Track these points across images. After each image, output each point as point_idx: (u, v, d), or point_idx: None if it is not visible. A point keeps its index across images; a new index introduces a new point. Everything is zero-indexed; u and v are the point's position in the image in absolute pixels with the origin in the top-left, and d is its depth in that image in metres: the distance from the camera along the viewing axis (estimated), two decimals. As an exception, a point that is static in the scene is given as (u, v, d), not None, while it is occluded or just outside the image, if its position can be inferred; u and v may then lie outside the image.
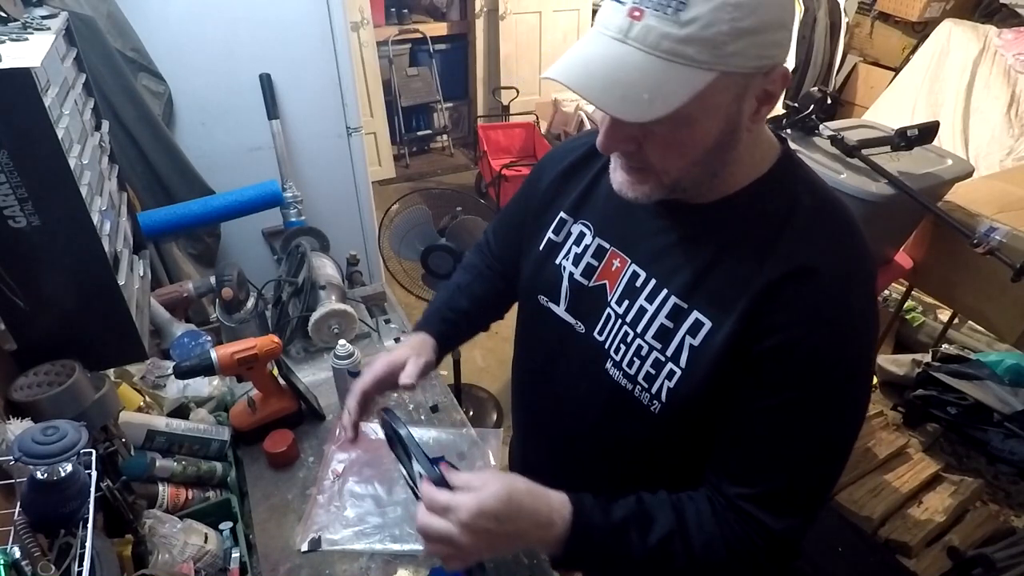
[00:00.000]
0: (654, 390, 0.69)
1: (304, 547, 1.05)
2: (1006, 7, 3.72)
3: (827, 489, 0.67)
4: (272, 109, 2.06)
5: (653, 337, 0.68)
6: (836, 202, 0.66)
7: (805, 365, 0.61)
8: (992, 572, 1.74)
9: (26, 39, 0.90)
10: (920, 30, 3.97)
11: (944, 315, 2.64)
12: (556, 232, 0.80)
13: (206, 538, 1.01)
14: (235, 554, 1.02)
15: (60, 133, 0.85)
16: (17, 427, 0.81)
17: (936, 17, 3.83)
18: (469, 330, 0.99)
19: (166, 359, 1.41)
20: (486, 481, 0.63)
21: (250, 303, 1.52)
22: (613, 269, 0.74)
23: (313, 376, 1.45)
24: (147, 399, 1.22)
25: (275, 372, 1.27)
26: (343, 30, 2.06)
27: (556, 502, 0.65)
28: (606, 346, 0.73)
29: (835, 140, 1.75)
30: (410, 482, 0.78)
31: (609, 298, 0.73)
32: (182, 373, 1.17)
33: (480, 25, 4.43)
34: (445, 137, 4.93)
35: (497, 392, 2.62)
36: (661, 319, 0.68)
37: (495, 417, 2.45)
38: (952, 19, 3.61)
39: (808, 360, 0.61)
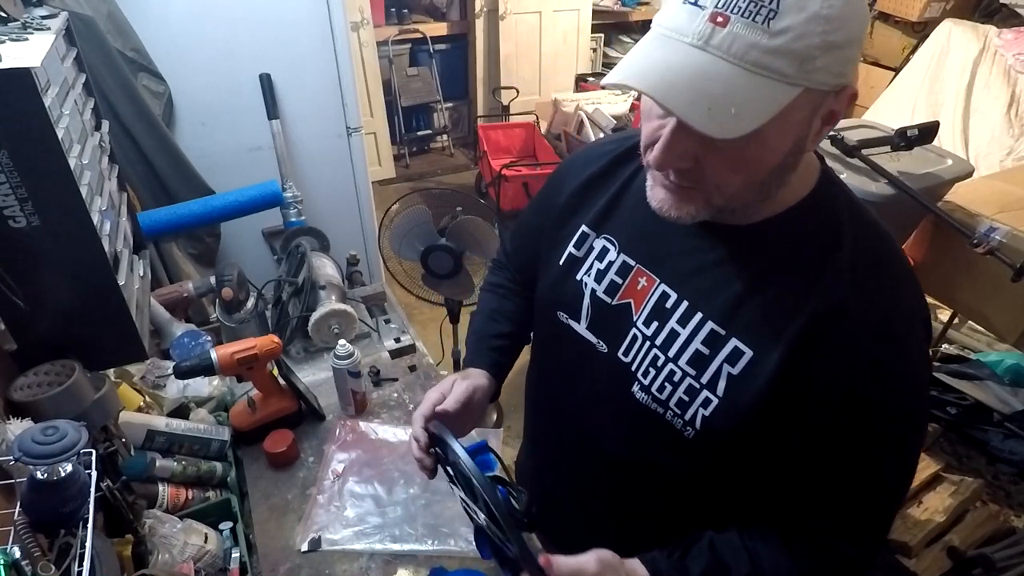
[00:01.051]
0: (687, 416, 0.66)
1: (304, 547, 1.05)
2: (1006, 7, 3.72)
3: (896, 510, 0.67)
4: (272, 109, 2.06)
5: (687, 363, 0.65)
6: (881, 233, 0.63)
7: (858, 408, 0.59)
8: (992, 572, 1.74)
9: (26, 39, 0.90)
10: (920, 30, 3.97)
11: (944, 315, 2.64)
12: (577, 246, 0.77)
13: (206, 538, 1.01)
14: (235, 554, 1.02)
15: (60, 133, 0.85)
16: (17, 427, 0.81)
17: (936, 17, 3.83)
18: (515, 349, 0.93)
19: (166, 359, 1.41)
20: None
21: (250, 303, 1.52)
22: (639, 288, 0.70)
23: (313, 376, 1.45)
24: (147, 399, 1.22)
25: (275, 372, 1.27)
26: (343, 30, 2.06)
27: (639, 574, 0.64)
28: (633, 368, 0.70)
29: (835, 140, 1.75)
30: (468, 508, 0.73)
31: (635, 318, 0.70)
32: (182, 373, 1.17)
33: (480, 25, 4.43)
34: (445, 137, 4.92)
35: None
36: (696, 344, 0.65)
37: (495, 417, 2.44)
38: (952, 19, 3.60)
39: (860, 403, 0.59)
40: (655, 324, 0.68)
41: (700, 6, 0.49)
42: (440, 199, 2.04)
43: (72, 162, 0.88)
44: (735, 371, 0.62)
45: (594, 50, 4.94)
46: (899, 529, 1.90)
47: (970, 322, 2.55)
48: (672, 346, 0.66)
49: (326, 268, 1.62)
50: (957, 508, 1.99)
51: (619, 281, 0.72)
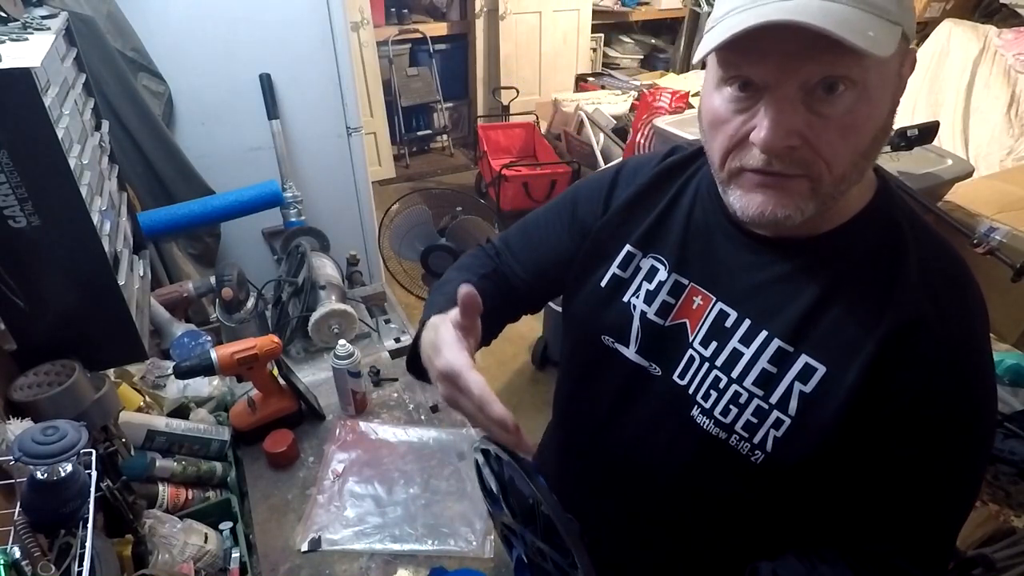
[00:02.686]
0: (756, 440, 0.63)
1: (304, 547, 1.05)
2: (1006, 7, 3.73)
3: (960, 528, 0.64)
4: (272, 109, 2.06)
5: (754, 383, 0.62)
6: (946, 246, 0.62)
7: (932, 425, 0.58)
8: (992, 572, 1.73)
9: (26, 39, 0.90)
10: (920, 30, 3.97)
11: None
12: (623, 267, 0.73)
13: (206, 538, 1.01)
14: (235, 554, 1.02)
15: (60, 133, 0.85)
16: (17, 427, 0.81)
17: (936, 17, 3.83)
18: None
19: (166, 359, 1.41)
20: None
21: (250, 303, 1.52)
22: (695, 307, 0.67)
23: (313, 376, 1.45)
24: (147, 399, 1.22)
25: (275, 372, 1.27)
26: (343, 30, 2.06)
27: None
28: (691, 391, 0.67)
29: (835, 140, 1.75)
30: (511, 533, 0.68)
31: (691, 339, 0.67)
32: (182, 373, 1.17)
33: (480, 25, 4.43)
34: (445, 137, 4.92)
35: (497, 392, 2.61)
36: (763, 363, 0.62)
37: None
38: (952, 19, 3.61)
39: (934, 421, 0.58)
40: (714, 344, 0.65)
41: None
42: (440, 199, 2.04)
43: (72, 162, 0.88)
44: (807, 389, 0.60)
45: (594, 50, 4.94)
46: (899, 529, 1.90)
47: (970, 322, 2.55)
48: (736, 366, 0.63)
49: (326, 268, 1.62)
50: (957, 508, 1.99)
51: (672, 301, 0.69)
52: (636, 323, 0.71)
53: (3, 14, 0.95)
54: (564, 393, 0.86)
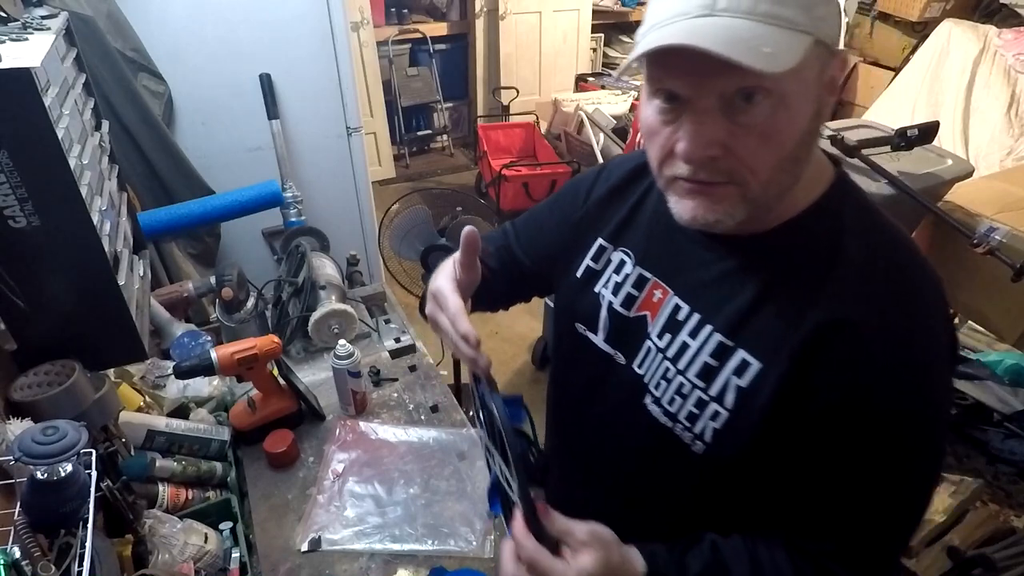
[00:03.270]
0: (697, 430, 0.65)
1: (304, 547, 1.05)
2: (1006, 7, 3.72)
3: (908, 536, 0.64)
4: (272, 109, 2.06)
5: (696, 375, 0.64)
6: (892, 239, 0.61)
7: (861, 427, 0.57)
8: (992, 572, 1.74)
9: (26, 39, 0.90)
10: (920, 30, 3.97)
11: (944, 315, 2.63)
12: (595, 259, 0.77)
13: (206, 538, 1.01)
14: (235, 554, 1.02)
15: (60, 133, 0.85)
16: (17, 427, 0.81)
17: (936, 17, 3.83)
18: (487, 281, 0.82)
19: (166, 359, 1.41)
20: (584, 544, 0.59)
21: (250, 303, 1.52)
22: (654, 300, 0.70)
23: (313, 376, 1.45)
24: (147, 399, 1.22)
25: (275, 372, 1.27)
26: (343, 30, 2.06)
27: (638, 561, 0.63)
28: (645, 380, 0.70)
29: (835, 140, 1.75)
30: (488, 456, 0.73)
31: (650, 330, 0.70)
32: (182, 373, 1.17)
33: (480, 25, 4.43)
34: (445, 137, 4.92)
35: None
36: (705, 357, 0.64)
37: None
38: (952, 19, 3.61)
39: (862, 422, 0.57)
40: (668, 336, 0.67)
41: None
42: (440, 199, 2.04)
43: (72, 162, 0.88)
44: (743, 383, 0.61)
45: (594, 50, 4.94)
46: (899, 529, 1.90)
47: (970, 322, 2.55)
48: (682, 358, 0.65)
49: (326, 268, 1.62)
50: (957, 508, 1.98)
51: (635, 294, 0.72)
52: (604, 313, 0.74)
53: (3, 14, 0.95)
54: (551, 379, 0.91)
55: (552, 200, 0.89)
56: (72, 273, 0.93)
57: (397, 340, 1.54)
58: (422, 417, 1.34)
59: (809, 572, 0.62)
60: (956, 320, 2.52)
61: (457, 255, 0.70)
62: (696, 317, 0.65)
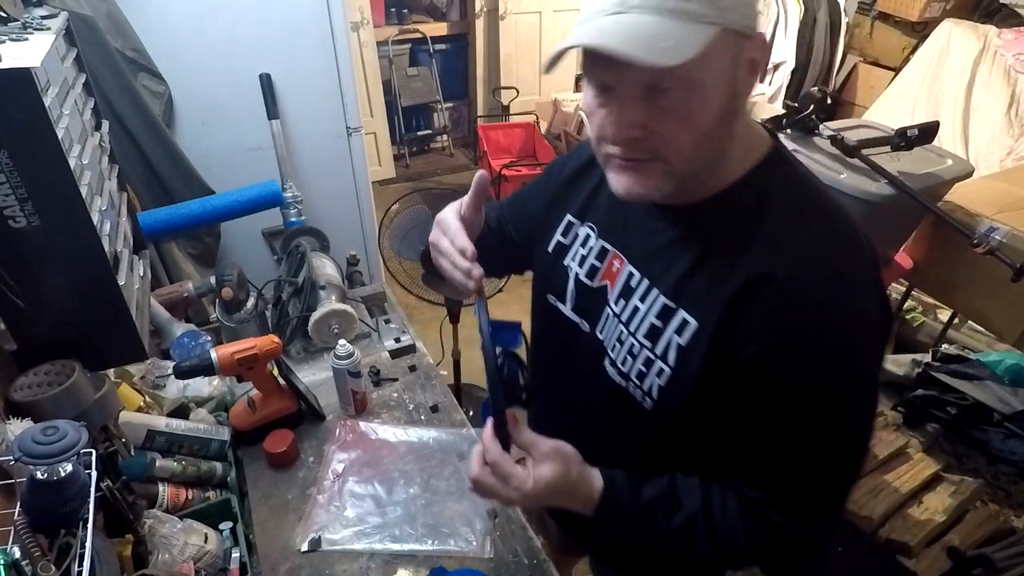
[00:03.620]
0: (646, 387, 0.71)
1: (304, 547, 1.05)
2: (1006, 7, 3.72)
3: (842, 488, 0.68)
4: (272, 109, 2.06)
5: (644, 336, 0.70)
6: (819, 203, 0.65)
7: (784, 379, 0.61)
8: (992, 572, 1.73)
9: (26, 39, 0.90)
10: (920, 30, 3.97)
11: (944, 315, 2.64)
12: (564, 234, 0.83)
13: (206, 538, 1.01)
14: (235, 554, 1.02)
15: (60, 133, 0.85)
16: (17, 427, 0.81)
17: (936, 17, 3.83)
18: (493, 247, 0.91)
19: (166, 359, 1.41)
20: (546, 456, 0.67)
21: (250, 303, 1.52)
22: (614, 270, 0.75)
23: (313, 376, 1.45)
24: (147, 399, 1.22)
25: (275, 372, 1.27)
26: (343, 30, 2.06)
27: (596, 480, 0.70)
28: (604, 344, 0.76)
29: (835, 140, 1.75)
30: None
31: (609, 298, 0.75)
32: (182, 373, 1.17)
33: (480, 25, 4.43)
34: (445, 137, 4.92)
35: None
36: (651, 318, 0.69)
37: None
38: (952, 19, 3.61)
39: (786, 374, 0.61)
40: (623, 302, 0.73)
41: None
42: (440, 199, 2.04)
43: (72, 162, 0.88)
44: (683, 341, 0.66)
45: (594, 50, 4.94)
46: (899, 529, 1.90)
47: (970, 322, 2.55)
48: (633, 321, 0.71)
49: (326, 268, 1.62)
50: (957, 508, 1.99)
51: (598, 265, 0.78)
52: (571, 284, 0.80)
53: (3, 14, 0.95)
54: (531, 348, 0.97)
55: (535, 180, 0.95)
56: (72, 273, 0.93)
57: (397, 340, 1.54)
58: (422, 417, 1.34)
59: (753, 517, 0.68)
60: (956, 320, 2.52)
61: (466, 197, 0.75)
62: (645, 283, 0.71)
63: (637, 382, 0.71)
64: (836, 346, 0.60)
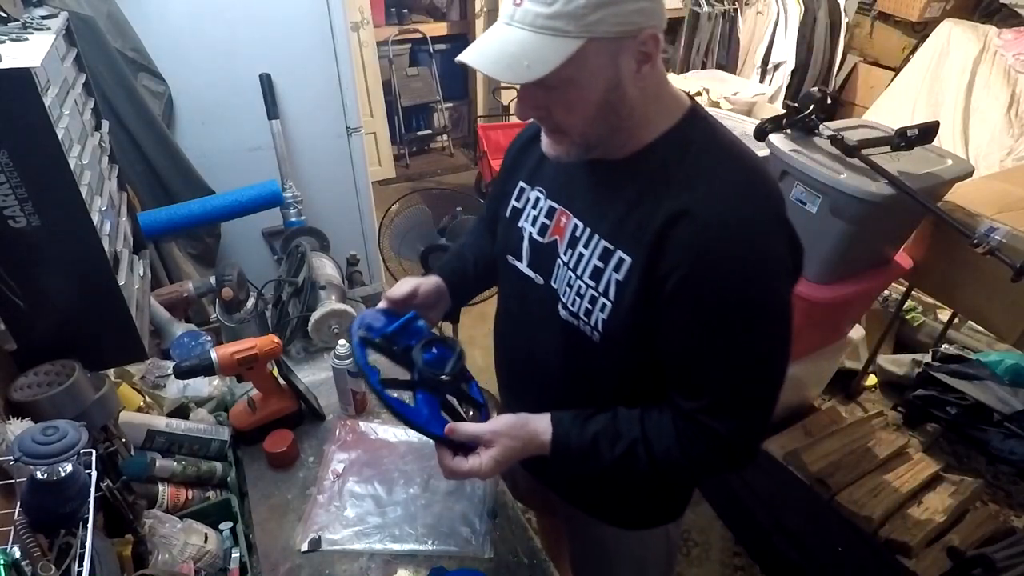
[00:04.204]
0: (592, 322, 0.80)
1: (304, 547, 1.05)
2: (1006, 7, 3.72)
3: (766, 395, 0.76)
4: (272, 109, 2.06)
5: (589, 277, 0.79)
6: (732, 150, 0.74)
7: (701, 298, 0.70)
8: (992, 572, 1.73)
9: (26, 39, 0.90)
10: (920, 30, 3.97)
11: (944, 315, 2.64)
12: (518, 199, 0.92)
13: (206, 538, 1.01)
14: (235, 554, 1.02)
15: (60, 133, 0.85)
16: (17, 427, 0.81)
17: (936, 17, 3.83)
18: (477, 279, 1.08)
19: (166, 359, 1.41)
20: (489, 441, 0.82)
21: (250, 303, 1.52)
22: (561, 225, 0.84)
23: (313, 376, 1.45)
24: (147, 399, 1.22)
25: (275, 372, 1.27)
26: (343, 30, 2.06)
27: (544, 431, 0.82)
28: (558, 291, 0.84)
29: (835, 140, 1.75)
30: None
31: (559, 251, 0.84)
32: (182, 373, 1.17)
33: (480, 25, 4.43)
34: (445, 137, 4.92)
35: (497, 392, 2.62)
36: (594, 261, 0.78)
37: (495, 416, 2.44)
38: (952, 19, 3.61)
39: (703, 294, 0.70)
40: (570, 252, 0.82)
41: None
42: (440, 199, 2.04)
43: (72, 162, 0.88)
44: (620, 277, 0.75)
45: (594, 50, 4.94)
46: (899, 529, 1.90)
47: (970, 322, 2.55)
48: (579, 266, 0.80)
49: (326, 268, 1.62)
50: (957, 508, 1.99)
51: (548, 223, 0.86)
52: (526, 243, 0.89)
53: (3, 14, 0.95)
54: (496, 314, 1.05)
55: (499, 170, 1.05)
56: (72, 273, 0.93)
57: (397, 340, 1.54)
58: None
59: (688, 429, 0.77)
60: (956, 320, 2.52)
61: (422, 291, 0.96)
62: (588, 231, 0.79)
63: (585, 319, 0.80)
64: (745, 268, 0.69)
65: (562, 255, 0.83)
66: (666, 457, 0.78)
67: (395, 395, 0.86)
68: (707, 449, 0.77)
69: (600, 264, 0.77)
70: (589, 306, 0.79)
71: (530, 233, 0.88)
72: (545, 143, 0.78)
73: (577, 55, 0.64)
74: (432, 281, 0.99)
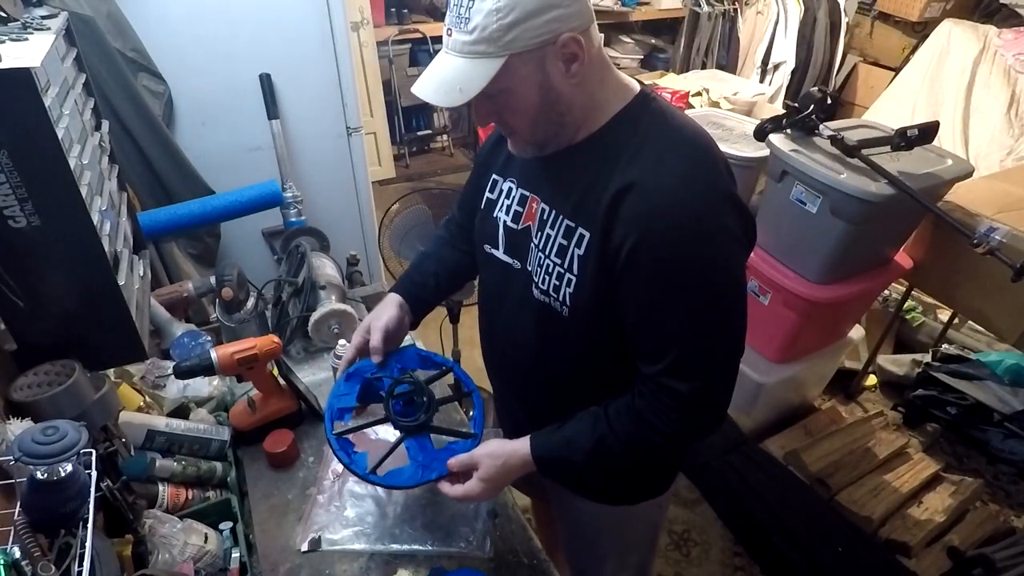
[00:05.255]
0: (560, 297, 0.85)
1: (304, 547, 1.05)
2: (1006, 7, 3.72)
3: (724, 355, 0.81)
4: (272, 109, 2.06)
5: (555, 255, 0.84)
6: (680, 128, 0.79)
7: (652, 264, 0.74)
8: (992, 572, 1.74)
9: (26, 39, 0.90)
10: (920, 30, 3.97)
11: (944, 315, 2.64)
12: (491, 191, 0.97)
13: (206, 538, 1.01)
14: (235, 554, 1.02)
15: (60, 133, 0.85)
16: (17, 427, 0.81)
17: (936, 17, 3.83)
18: (438, 290, 1.14)
19: (166, 359, 1.41)
20: (476, 466, 0.91)
21: (250, 303, 1.52)
22: (533, 211, 0.89)
23: (313, 376, 1.45)
24: (147, 399, 1.22)
25: (275, 372, 1.27)
26: (343, 30, 2.06)
27: (519, 444, 0.90)
28: (532, 274, 0.89)
29: (835, 140, 1.75)
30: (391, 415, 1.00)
31: (532, 235, 0.89)
32: (182, 373, 1.17)
33: (480, 25, 4.42)
34: (445, 137, 4.92)
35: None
36: (559, 239, 0.84)
37: (495, 416, 2.44)
38: (952, 19, 3.61)
39: (653, 260, 0.74)
40: (540, 234, 0.87)
41: (447, 25, 0.74)
42: (440, 199, 2.03)
43: (72, 162, 0.88)
44: (581, 251, 0.81)
45: (594, 50, 4.94)
46: (899, 529, 1.90)
47: (970, 322, 2.55)
48: (548, 246, 0.85)
49: (326, 268, 1.62)
50: (957, 508, 1.99)
51: (520, 210, 0.91)
52: (501, 231, 0.94)
53: (3, 14, 0.95)
54: (478, 290, 1.09)
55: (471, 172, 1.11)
56: (72, 273, 0.93)
57: (397, 340, 1.54)
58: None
59: (653, 396, 0.82)
60: (956, 320, 2.52)
61: (384, 326, 1.04)
62: (554, 212, 0.85)
63: (554, 295, 0.86)
64: (692, 234, 0.73)
65: (535, 239, 0.88)
66: (628, 436, 0.84)
67: (386, 466, 0.95)
68: (672, 412, 0.81)
69: (564, 242, 0.83)
70: (557, 282, 0.85)
71: (504, 222, 0.93)
72: (509, 143, 0.86)
73: (503, 71, 0.71)
74: (393, 317, 1.05)
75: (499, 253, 0.95)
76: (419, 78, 0.76)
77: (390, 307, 1.06)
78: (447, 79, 0.73)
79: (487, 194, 0.98)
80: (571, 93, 0.77)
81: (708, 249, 0.75)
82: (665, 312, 0.77)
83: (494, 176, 0.97)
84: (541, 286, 0.87)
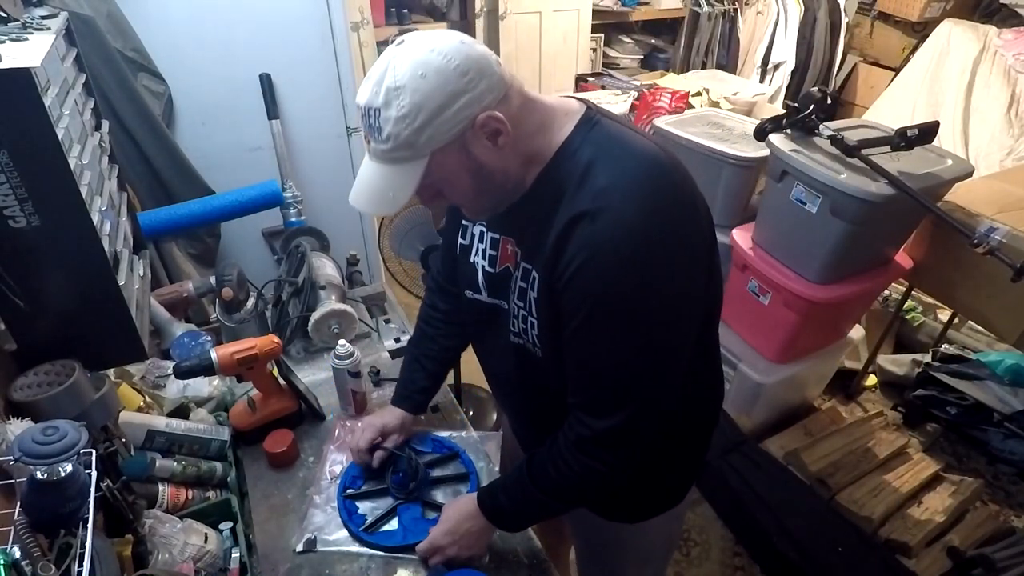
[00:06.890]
0: (531, 340, 0.86)
1: (300, 547, 1.05)
2: (1006, 7, 3.72)
3: (640, 391, 0.78)
4: (272, 109, 2.06)
5: (519, 299, 0.85)
6: (627, 147, 0.75)
7: (584, 293, 0.73)
8: (992, 572, 1.74)
9: (26, 39, 0.90)
10: (920, 30, 3.97)
11: (944, 315, 2.64)
12: (463, 237, 0.96)
13: (206, 538, 1.01)
14: (235, 554, 1.02)
15: (60, 133, 0.85)
16: (17, 427, 0.81)
17: (936, 17, 3.83)
18: (435, 379, 1.20)
19: (166, 359, 1.41)
20: (439, 521, 1.01)
21: (250, 303, 1.52)
22: (508, 252, 0.88)
23: (313, 376, 1.45)
24: (147, 399, 1.22)
25: (275, 372, 1.27)
26: (343, 30, 2.06)
27: (468, 499, 0.98)
28: (510, 313, 0.89)
29: (835, 140, 1.75)
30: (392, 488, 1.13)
31: (512, 275, 0.88)
32: (182, 373, 1.17)
33: (480, 25, 4.42)
34: (445, 137, 4.91)
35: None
36: (520, 283, 0.84)
37: (495, 417, 2.44)
38: (952, 19, 3.61)
39: (586, 289, 0.73)
40: (515, 276, 0.87)
41: (366, 134, 0.74)
42: (440, 199, 2.03)
43: (72, 162, 0.88)
44: (535, 293, 0.81)
45: (594, 50, 4.94)
46: (899, 529, 1.90)
47: (970, 322, 2.55)
48: (515, 290, 0.86)
49: (326, 268, 1.62)
50: (957, 508, 1.99)
51: (495, 253, 0.90)
52: (480, 276, 0.93)
53: (3, 14, 0.95)
54: (467, 333, 1.11)
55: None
56: (72, 273, 0.93)
57: (397, 340, 1.54)
58: (422, 417, 1.34)
59: (570, 423, 0.83)
60: (956, 320, 2.52)
61: (383, 428, 1.16)
62: (519, 253, 0.85)
63: (525, 338, 0.87)
64: (633, 261, 0.70)
65: (512, 280, 0.88)
66: (547, 483, 0.87)
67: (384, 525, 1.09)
68: (581, 442, 0.82)
69: (524, 285, 0.83)
70: (524, 325, 0.86)
71: (483, 266, 0.92)
72: (465, 211, 0.88)
73: (429, 168, 0.72)
74: (392, 424, 1.16)
75: (483, 297, 0.94)
76: (353, 186, 0.77)
77: (391, 418, 1.17)
78: (377, 188, 0.74)
79: (460, 240, 0.97)
80: (504, 161, 0.76)
81: (650, 276, 0.72)
82: (590, 343, 0.77)
83: (464, 222, 0.96)
84: (513, 329, 0.89)
